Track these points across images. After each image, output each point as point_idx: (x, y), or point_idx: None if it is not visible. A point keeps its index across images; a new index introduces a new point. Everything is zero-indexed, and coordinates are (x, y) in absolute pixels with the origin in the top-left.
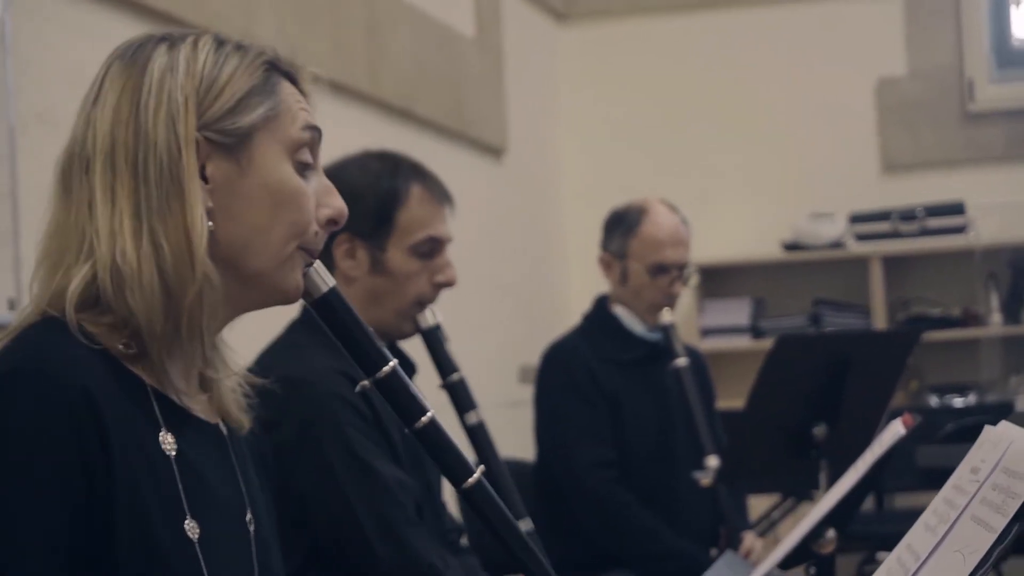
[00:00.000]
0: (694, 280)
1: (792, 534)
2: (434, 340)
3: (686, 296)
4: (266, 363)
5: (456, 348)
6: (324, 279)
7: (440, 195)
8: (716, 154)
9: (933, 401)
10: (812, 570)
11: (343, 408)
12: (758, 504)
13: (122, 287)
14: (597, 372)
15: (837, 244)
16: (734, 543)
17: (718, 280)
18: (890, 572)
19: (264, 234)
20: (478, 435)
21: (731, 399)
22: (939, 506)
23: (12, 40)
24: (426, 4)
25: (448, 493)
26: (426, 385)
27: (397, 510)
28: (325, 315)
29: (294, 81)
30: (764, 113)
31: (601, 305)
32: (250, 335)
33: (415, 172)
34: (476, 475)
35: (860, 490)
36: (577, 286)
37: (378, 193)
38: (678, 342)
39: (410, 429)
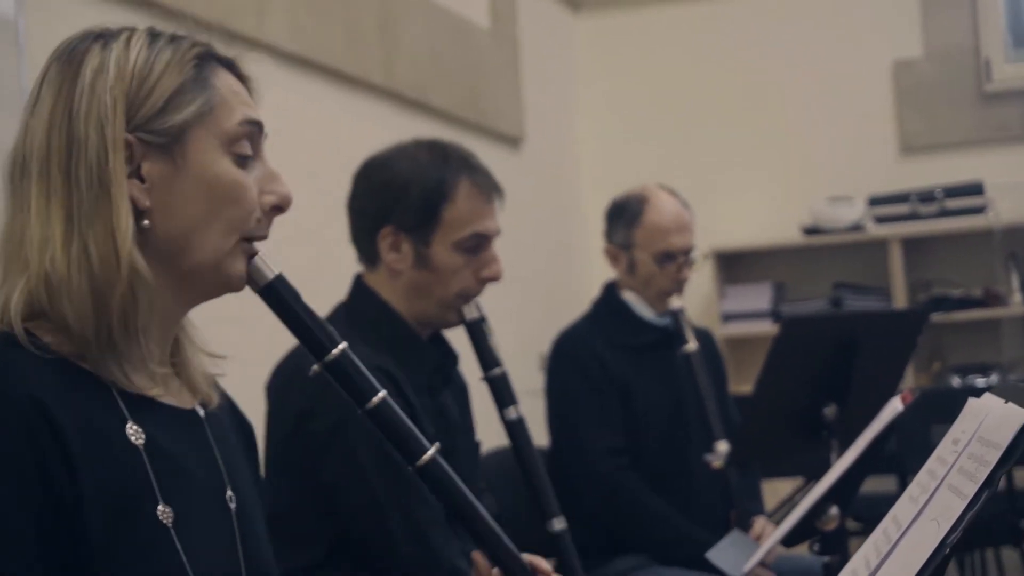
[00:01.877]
0: (707, 264)
1: (794, 512)
2: (478, 333)
3: (707, 282)
4: (302, 353)
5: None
6: (269, 267)
7: (488, 188)
8: (734, 140)
9: (955, 382)
10: (816, 547)
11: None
12: (781, 488)
13: (53, 295)
14: (607, 359)
15: (856, 227)
16: (744, 526)
17: (738, 265)
18: (876, 544)
19: (203, 229)
20: (516, 431)
21: (752, 384)
22: (923, 478)
23: (26, 40)
24: None
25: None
26: (468, 378)
27: (424, 509)
28: (272, 302)
29: (234, 70)
30: (781, 98)
31: (610, 291)
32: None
33: (464, 165)
34: (430, 453)
35: (862, 467)
36: (596, 274)
37: (424, 186)
38: (687, 327)
39: (362, 409)
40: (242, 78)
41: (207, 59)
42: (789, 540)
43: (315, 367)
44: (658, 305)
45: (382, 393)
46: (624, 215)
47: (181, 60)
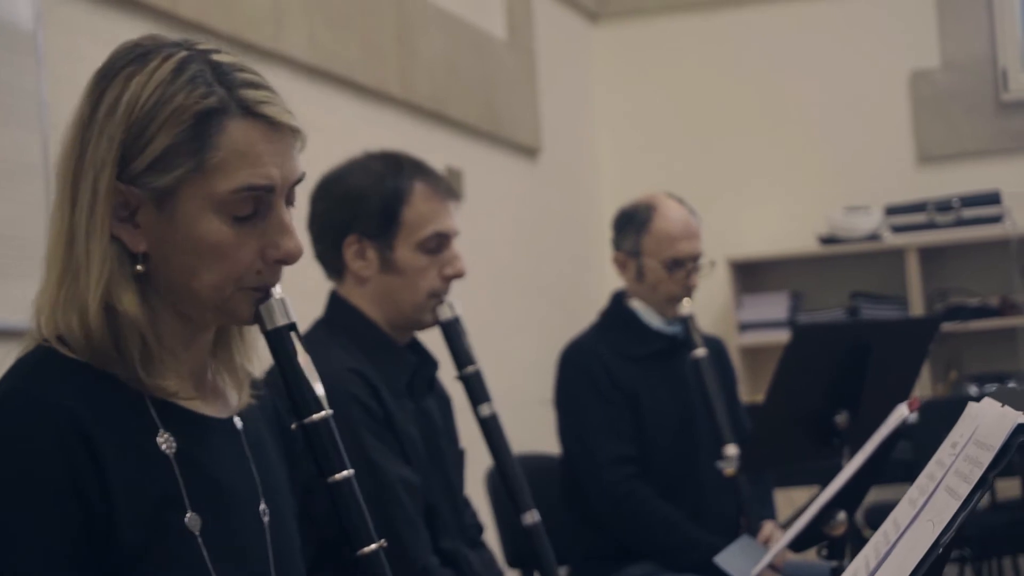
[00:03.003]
0: (724, 273)
1: (802, 517)
2: (452, 332)
3: (723, 291)
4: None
5: (493, 347)
6: (275, 316)
7: (443, 190)
8: (751, 150)
9: (972, 391)
10: (824, 552)
11: (354, 406)
12: (796, 497)
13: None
14: (614, 369)
15: (873, 236)
16: (753, 532)
17: (755, 275)
18: (876, 546)
19: (195, 280)
20: (490, 427)
21: None
22: (922, 481)
23: (45, 53)
24: (457, 7)
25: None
26: (443, 376)
27: (397, 509)
28: (272, 348)
29: (261, 119)
30: (798, 108)
31: (618, 301)
32: None
33: (417, 169)
34: (375, 545)
35: (869, 472)
36: (613, 284)
37: (382, 193)
38: (697, 333)
39: (325, 480)
40: (274, 123)
41: (219, 112)
42: (797, 545)
43: (293, 425)
44: (667, 311)
45: (347, 472)
46: (632, 223)
47: (183, 112)
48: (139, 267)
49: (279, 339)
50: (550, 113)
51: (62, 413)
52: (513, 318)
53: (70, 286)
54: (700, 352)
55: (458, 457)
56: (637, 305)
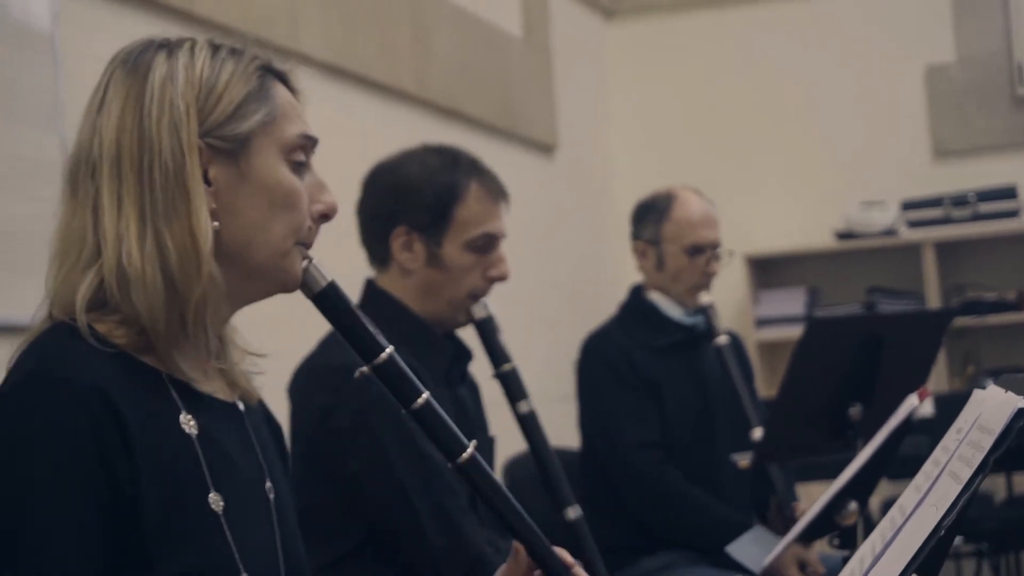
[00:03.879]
0: (740, 269)
1: (812, 508)
2: (487, 331)
3: (740, 286)
4: (325, 351)
5: (511, 344)
6: (323, 274)
7: (496, 192)
8: (767, 145)
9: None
10: (836, 541)
11: None
12: (814, 491)
13: (127, 288)
14: (635, 358)
15: (889, 232)
16: (785, 515)
17: (772, 270)
18: (882, 531)
19: (264, 231)
20: (529, 423)
21: None
22: (928, 467)
23: (61, 52)
24: (472, 5)
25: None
26: (479, 375)
27: (450, 497)
28: (324, 307)
29: (286, 83)
30: (814, 103)
31: (637, 294)
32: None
33: (473, 168)
34: (469, 450)
35: (880, 462)
36: (629, 280)
37: (436, 188)
38: (718, 321)
39: (407, 410)
40: (293, 91)
41: (267, 71)
42: (807, 535)
43: (363, 369)
44: (688, 300)
45: (425, 395)
46: (652, 211)
47: (245, 71)
48: (215, 223)
49: (334, 294)
50: (566, 110)
51: (91, 392)
52: (528, 315)
53: (153, 248)
54: (723, 339)
55: (488, 445)
56: (656, 297)
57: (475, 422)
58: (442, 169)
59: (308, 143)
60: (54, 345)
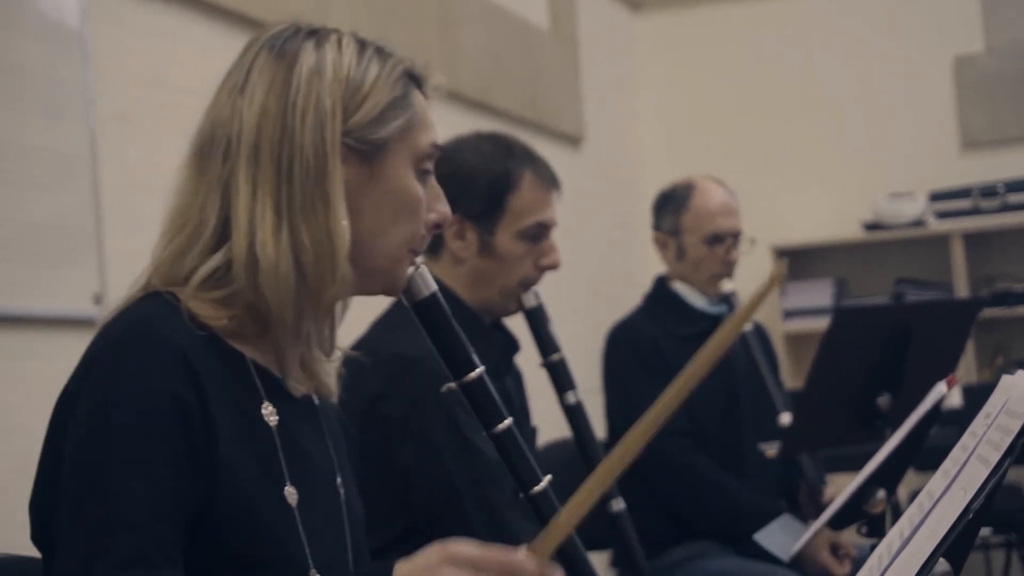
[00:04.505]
0: (768, 259)
1: (841, 495)
2: (537, 320)
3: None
4: (376, 337)
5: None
6: (428, 283)
7: (550, 180)
8: (794, 137)
9: None
10: (864, 529)
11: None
12: (842, 482)
13: (255, 275)
14: (662, 346)
15: (918, 223)
16: (816, 500)
17: (800, 262)
18: (911, 516)
19: (385, 236)
20: (576, 415)
21: None
22: (956, 452)
23: (92, 48)
24: None
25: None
26: (527, 364)
27: (497, 491)
28: (423, 315)
29: (422, 88)
30: (841, 94)
31: (661, 284)
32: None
33: (527, 156)
34: (543, 484)
35: (909, 450)
36: (655, 272)
37: (490, 176)
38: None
39: (489, 433)
40: (425, 96)
41: (409, 77)
42: (836, 523)
43: (451, 385)
44: (709, 290)
45: (508, 421)
46: (671, 202)
47: (390, 75)
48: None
49: (435, 304)
50: (593, 102)
51: (180, 359)
52: (556, 307)
53: (289, 242)
54: (747, 327)
55: (531, 435)
56: (680, 287)
57: (519, 413)
58: (496, 157)
59: (436, 152)
60: (145, 311)
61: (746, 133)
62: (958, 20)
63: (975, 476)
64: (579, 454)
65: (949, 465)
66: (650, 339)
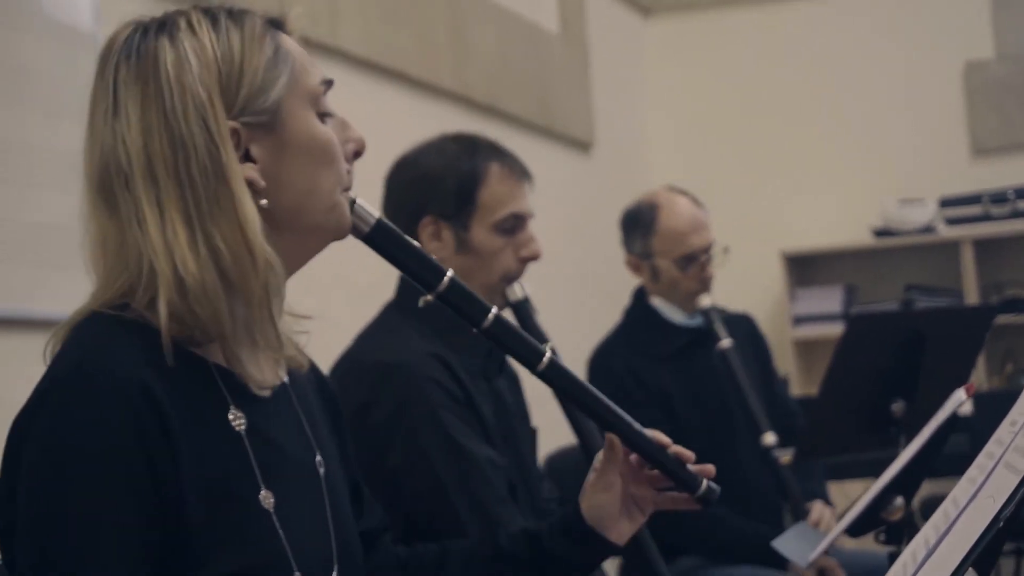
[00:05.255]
0: (778, 266)
1: (859, 502)
2: (523, 312)
3: (777, 284)
4: (362, 346)
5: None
6: (369, 212)
7: (519, 172)
8: (804, 142)
9: None
10: (882, 537)
11: (437, 390)
12: (852, 489)
13: (185, 297)
14: (642, 371)
15: (928, 229)
16: (799, 515)
17: (809, 268)
18: (935, 524)
19: (313, 193)
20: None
21: None
22: (981, 459)
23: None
24: (510, 1)
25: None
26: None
27: (488, 489)
28: (376, 244)
29: (285, 29)
30: (851, 100)
31: (639, 299)
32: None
33: (492, 150)
34: (547, 357)
35: (926, 457)
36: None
37: (458, 174)
38: (719, 325)
39: (478, 329)
40: (290, 33)
41: (274, 25)
42: (854, 530)
43: (428, 298)
44: (688, 307)
45: (494, 310)
46: (639, 225)
47: (254, 36)
48: (263, 201)
49: (383, 229)
50: (603, 107)
51: (136, 386)
52: (565, 311)
53: (207, 252)
54: (725, 343)
55: (531, 436)
56: (658, 302)
57: (515, 414)
58: (462, 155)
59: (328, 86)
60: (99, 338)
61: (755, 139)
62: (968, 26)
63: (1005, 483)
64: (578, 442)
65: (975, 472)
66: (629, 367)
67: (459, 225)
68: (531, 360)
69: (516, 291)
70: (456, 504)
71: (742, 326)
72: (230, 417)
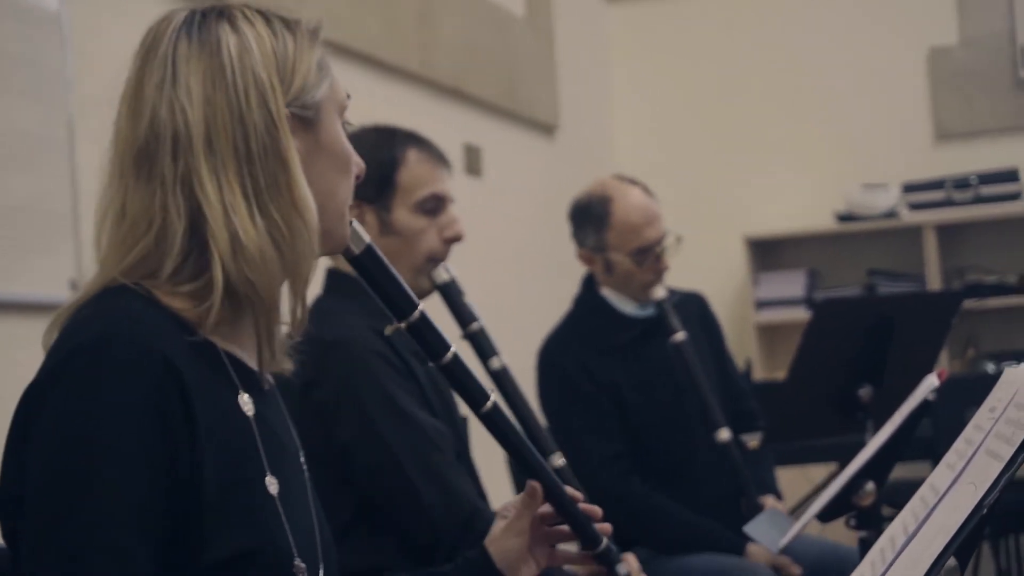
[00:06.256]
0: (741, 250)
1: (830, 487)
2: (451, 293)
3: (740, 268)
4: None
5: (510, 323)
6: (362, 235)
7: (436, 155)
8: (768, 127)
9: (990, 368)
10: (853, 522)
11: (380, 363)
12: (815, 473)
13: (241, 264)
14: (592, 365)
15: (891, 214)
16: (753, 510)
17: (772, 252)
18: (913, 510)
19: (333, 197)
20: (503, 379)
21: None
22: (959, 445)
23: (70, 30)
24: None
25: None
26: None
27: (438, 455)
28: (362, 266)
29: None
30: (816, 85)
31: (589, 287)
32: None
33: (410, 137)
34: (491, 400)
35: (897, 443)
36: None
37: (378, 160)
38: (673, 317)
39: (435, 364)
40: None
41: (316, 36)
42: (825, 515)
43: (400, 325)
44: (641, 297)
45: (453, 349)
46: (591, 218)
47: (303, 39)
48: None
49: (372, 253)
50: (568, 91)
51: (159, 358)
52: (530, 294)
53: (266, 226)
54: (679, 336)
55: (462, 424)
56: (609, 293)
57: (448, 399)
58: (379, 143)
59: (349, 101)
60: (124, 307)
61: (719, 124)
62: (933, 12)
63: (987, 470)
64: (513, 415)
65: (953, 459)
66: (579, 360)
67: (381, 207)
68: (477, 401)
69: (442, 273)
70: (410, 473)
71: (693, 306)
72: (240, 401)
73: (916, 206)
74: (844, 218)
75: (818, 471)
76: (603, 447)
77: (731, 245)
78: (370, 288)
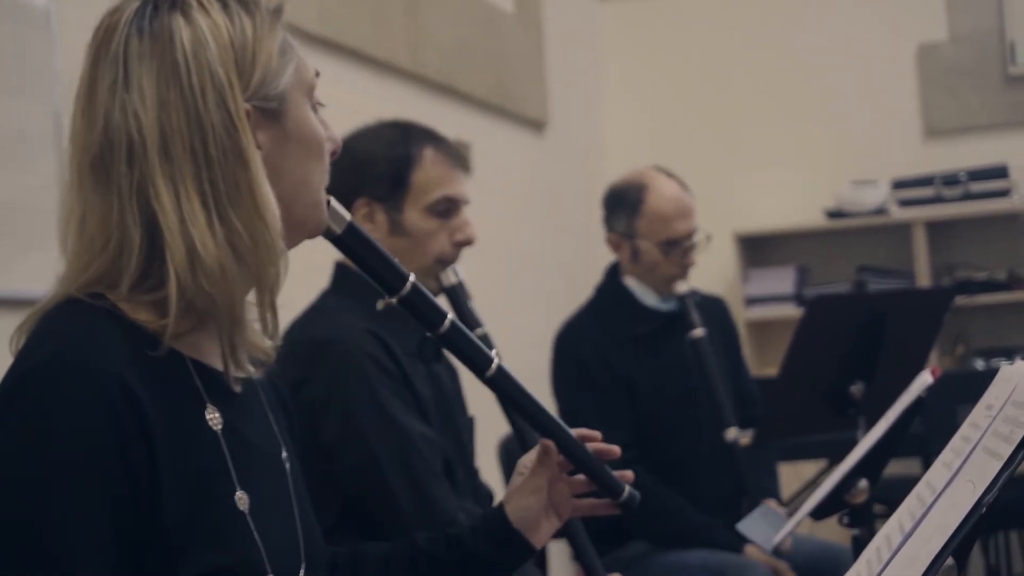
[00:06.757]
0: (730, 247)
1: (823, 485)
2: (457, 297)
3: (730, 265)
4: (295, 326)
5: (501, 320)
6: (342, 213)
7: (453, 156)
8: (758, 123)
9: (979, 365)
10: (845, 520)
11: (371, 365)
12: (805, 470)
13: (199, 277)
14: (608, 354)
15: (880, 211)
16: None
17: (762, 249)
18: (910, 509)
19: (306, 186)
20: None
21: (777, 367)
22: (956, 443)
23: (58, 27)
24: None
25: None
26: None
27: (422, 464)
28: (346, 246)
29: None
30: (806, 81)
31: (613, 276)
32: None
33: (428, 136)
34: (495, 364)
35: (891, 440)
36: (611, 262)
37: (392, 157)
38: (694, 312)
39: (433, 334)
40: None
41: (277, 16)
42: (818, 513)
43: (391, 300)
44: (665, 290)
45: (450, 316)
46: (624, 204)
47: (263, 23)
48: None
49: (355, 231)
50: (558, 87)
51: (114, 381)
52: (521, 290)
53: (225, 235)
54: (698, 332)
55: (468, 424)
56: (632, 283)
57: (453, 401)
58: (395, 140)
59: (317, 79)
60: (77, 327)
61: (709, 120)
62: (922, 9)
63: (985, 469)
64: (510, 424)
65: (950, 457)
66: (596, 347)
67: (392, 207)
68: (480, 366)
69: (450, 276)
70: (390, 480)
71: (715, 310)
72: (207, 415)
73: (906, 203)
74: (834, 215)
75: (808, 468)
76: (610, 435)
77: (721, 241)
78: (357, 266)
